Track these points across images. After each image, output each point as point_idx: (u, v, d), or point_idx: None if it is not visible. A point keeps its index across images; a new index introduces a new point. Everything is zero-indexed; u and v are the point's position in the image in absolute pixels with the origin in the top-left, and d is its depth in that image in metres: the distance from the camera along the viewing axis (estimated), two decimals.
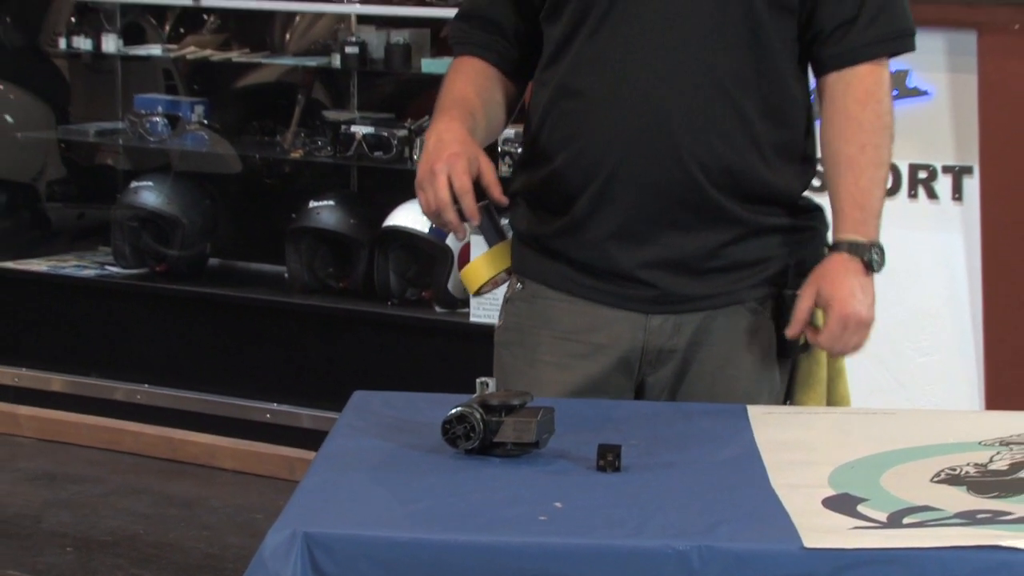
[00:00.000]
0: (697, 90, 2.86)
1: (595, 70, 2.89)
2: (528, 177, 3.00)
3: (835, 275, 2.88)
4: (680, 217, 2.89)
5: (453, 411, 2.54)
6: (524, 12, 2.99)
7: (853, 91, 2.94)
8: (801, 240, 3.00)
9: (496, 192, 2.83)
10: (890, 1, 2.94)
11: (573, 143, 2.91)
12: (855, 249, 2.89)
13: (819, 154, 3.05)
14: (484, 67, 3.01)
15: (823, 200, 2.98)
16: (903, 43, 2.98)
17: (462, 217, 2.80)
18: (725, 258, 2.93)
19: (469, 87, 2.98)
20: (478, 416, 2.53)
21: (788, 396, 3.05)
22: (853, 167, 2.93)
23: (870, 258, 2.90)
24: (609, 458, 2.49)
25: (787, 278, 2.97)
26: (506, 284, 3.06)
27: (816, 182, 3.02)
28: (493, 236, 3.00)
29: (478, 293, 3.08)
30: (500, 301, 3.10)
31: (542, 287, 3.00)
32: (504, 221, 3.01)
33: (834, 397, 3.06)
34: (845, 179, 2.93)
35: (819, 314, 2.94)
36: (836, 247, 2.92)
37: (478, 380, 2.61)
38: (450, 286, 5.82)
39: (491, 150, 5.57)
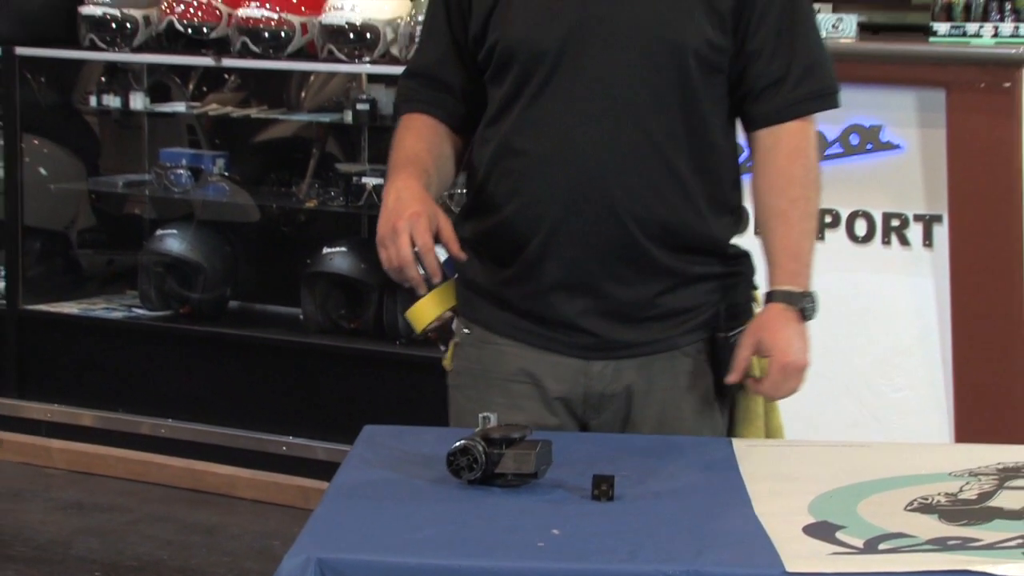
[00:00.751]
0: (633, 150, 2.85)
1: (537, 131, 2.87)
2: (474, 227, 2.99)
3: (774, 326, 2.87)
4: (618, 269, 2.88)
5: (457, 444, 2.54)
6: (470, 71, 2.98)
7: (783, 147, 2.93)
8: (731, 286, 2.99)
9: (455, 248, 2.84)
10: (816, 62, 2.94)
11: (516, 199, 2.90)
12: (791, 299, 2.88)
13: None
14: (433, 123, 3.00)
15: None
16: (829, 100, 2.98)
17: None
18: (660, 307, 2.92)
19: (420, 143, 2.96)
20: (480, 449, 2.53)
21: (729, 432, 3.03)
22: (785, 220, 2.92)
23: (804, 307, 2.89)
24: (603, 488, 2.49)
25: (719, 322, 2.96)
26: (452, 323, 3.05)
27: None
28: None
29: (423, 332, 3.07)
30: None
31: (489, 333, 2.98)
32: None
33: (770, 429, 3.04)
34: (778, 232, 2.92)
35: (755, 362, 2.94)
36: (772, 297, 2.90)
37: (480, 415, 2.61)
38: (453, 327, 5.82)
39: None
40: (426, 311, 3.03)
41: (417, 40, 3.17)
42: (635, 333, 2.92)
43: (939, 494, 2.53)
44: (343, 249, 6.26)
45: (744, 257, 3.02)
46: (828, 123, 4.81)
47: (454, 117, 3.00)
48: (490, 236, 2.95)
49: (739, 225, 3.02)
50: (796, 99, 2.92)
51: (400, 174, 2.88)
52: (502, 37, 2.88)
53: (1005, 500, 2.51)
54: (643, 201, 2.86)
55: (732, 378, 2.90)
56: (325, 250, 6.27)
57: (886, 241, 4.82)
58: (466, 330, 3.02)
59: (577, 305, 2.90)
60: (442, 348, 3.13)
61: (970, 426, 4.69)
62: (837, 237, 4.86)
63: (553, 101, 2.86)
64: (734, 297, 2.99)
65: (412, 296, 3.07)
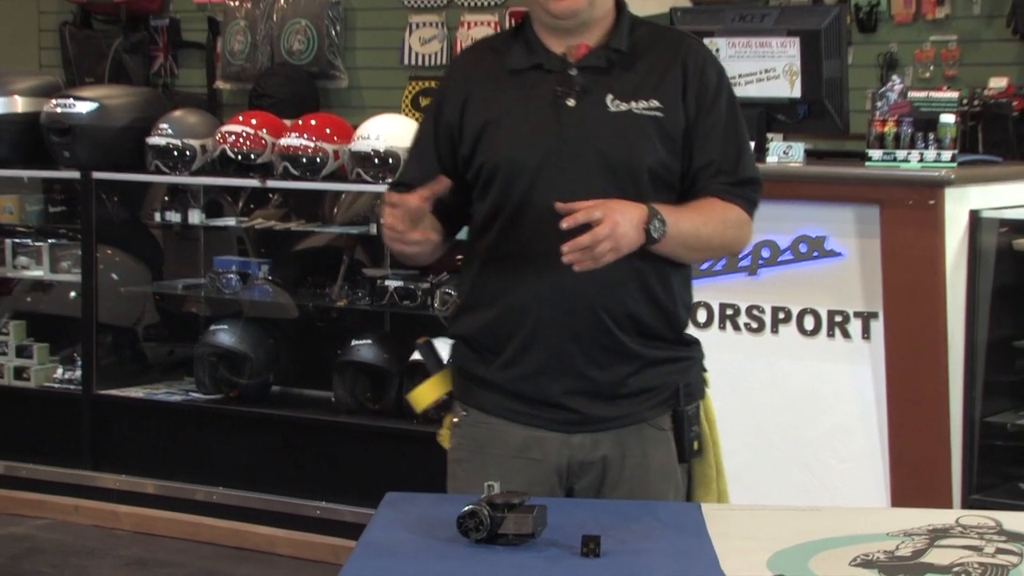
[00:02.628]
0: None
1: (519, 239, 2.87)
2: (468, 323, 2.96)
3: (622, 203, 2.76)
4: (595, 355, 2.88)
5: (466, 508, 2.53)
6: (457, 187, 2.91)
7: (715, 201, 2.90)
8: (686, 368, 2.99)
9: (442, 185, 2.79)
10: (752, 177, 2.95)
11: (504, 298, 2.89)
12: (649, 207, 2.78)
13: (691, 298, 3.03)
14: None
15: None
16: (753, 208, 2.96)
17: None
18: (630, 386, 2.92)
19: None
20: (486, 512, 2.52)
21: (688, 494, 3.01)
22: (696, 207, 2.88)
23: (653, 217, 2.77)
24: (591, 546, 2.48)
25: (679, 398, 2.95)
26: (449, 405, 3.03)
27: None
28: (434, 366, 3.02)
29: (424, 412, 3.06)
30: None
31: (483, 414, 2.96)
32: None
33: (719, 492, 3.02)
34: (684, 205, 2.88)
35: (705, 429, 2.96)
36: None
37: (485, 483, 2.60)
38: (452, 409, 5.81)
39: None
40: (425, 395, 3.04)
41: (404, 160, 3.12)
42: (610, 409, 2.92)
43: (878, 551, 2.52)
44: (368, 341, 6.25)
45: (695, 344, 3.03)
46: (780, 234, 4.83)
47: (439, 216, 2.93)
48: (483, 330, 2.94)
49: (687, 317, 3.01)
50: (735, 195, 2.92)
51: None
52: (489, 157, 2.89)
53: (935, 556, 2.50)
54: (613, 296, 2.86)
55: (564, 212, 2.72)
56: (353, 342, 6.27)
57: (831, 334, 4.81)
58: (464, 412, 3.00)
59: (561, 386, 2.89)
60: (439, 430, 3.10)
61: (904, 493, 4.66)
62: (789, 331, 4.85)
63: (532, 213, 2.86)
64: (689, 377, 2.99)
65: (415, 382, 3.07)
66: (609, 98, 2.87)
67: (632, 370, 2.91)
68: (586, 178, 2.85)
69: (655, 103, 2.87)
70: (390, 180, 3.10)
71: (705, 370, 3.04)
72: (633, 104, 2.87)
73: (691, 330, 3.02)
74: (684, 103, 2.89)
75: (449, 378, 3.03)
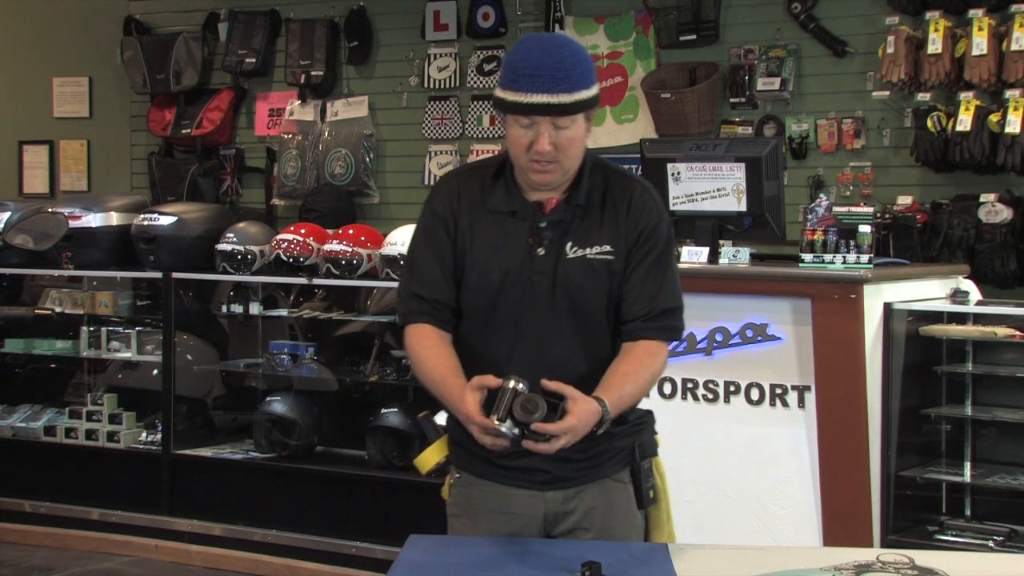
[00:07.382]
0: (558, 359, 2.82)
1: (499, 353, 2.84)
2: None
3: (586, 406, 2.71)
4: None
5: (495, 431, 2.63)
6: (455, 289, 2.91)
7: (640, 348, 2.87)
8: (639, 431, 2.95)
9: (492, 381, 2.73)
10: (669, 308, 2.90)
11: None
12: (604, 409, 2.74)
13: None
14: (440, 334, 2.89)
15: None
16: (673, 336, 2.92)
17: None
18: (592, 452, 2.88)
19: (448, 357, 2.86)
20: (508, 424, 2.61)
21: (646, 535, 2.97)
22: (623, 375, 2.82)
23: (604, 420, 2.73)
24: (593, 569, 2.46)
25: (635, 456, 2.93)
26: (447, 466, 3.00)
27: None
28: (433, 435, 2.99)
29: (428, 473, 3.04)
30: None
31: (474, 476, 2.94)
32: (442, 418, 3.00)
33: (669, 533, 2.99)
34: (616, 375, 2.81)
35: (658, 481, 2.94)
36: (599, 401, 2.75)
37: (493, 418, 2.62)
38: (449, 470, 5.79)
39: None
40: (428, 459, 3.01)
41: (410, 264, 2.97)
42: (577, 470, 2.89)
43: None
44: (395, 410, 6.24)
45: (647, 413, 3.00)
46: (730, 321, 4.83)
47: (449, 325, 2.92)
48: None
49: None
50: (651, 329, 2.88)
51: (456, 388, 2.78)
52: (474, 283, 2.86)
53: None
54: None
55: (552, 385, 2.72)
56: (383, 410, 6.26)
57: (772, 404, 4.81)
58: (457, 474, 2.97)
59: (537, 456, 2.80)
60: (441, 481, 3.08)
61: (833, 534, 4.63)
62: (738, 401, 4.85)
63: (509, 335, 2.84)
64: (642, 438, 2.96)
65: (420, 448, 3.06)
66: (568, 245, 2.85)
67: (595, 441, 2.86)
68: (552, 310, 2.83)
69: (607, 248, 2.86)
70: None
71: (656, 433, 3.01)
72: (588, 251, 2.85)
73: (656, 400, 3.01)
74: (626, 242, 2.87)
75: (446, 444, 3.00)
